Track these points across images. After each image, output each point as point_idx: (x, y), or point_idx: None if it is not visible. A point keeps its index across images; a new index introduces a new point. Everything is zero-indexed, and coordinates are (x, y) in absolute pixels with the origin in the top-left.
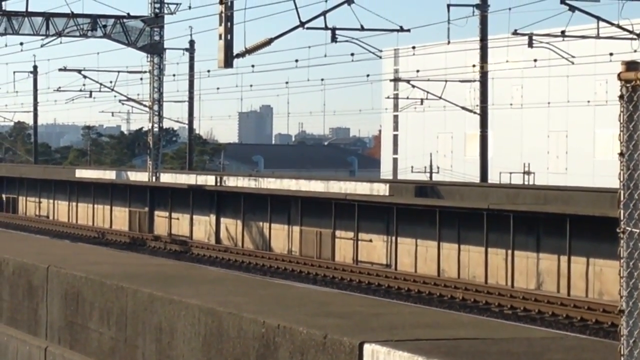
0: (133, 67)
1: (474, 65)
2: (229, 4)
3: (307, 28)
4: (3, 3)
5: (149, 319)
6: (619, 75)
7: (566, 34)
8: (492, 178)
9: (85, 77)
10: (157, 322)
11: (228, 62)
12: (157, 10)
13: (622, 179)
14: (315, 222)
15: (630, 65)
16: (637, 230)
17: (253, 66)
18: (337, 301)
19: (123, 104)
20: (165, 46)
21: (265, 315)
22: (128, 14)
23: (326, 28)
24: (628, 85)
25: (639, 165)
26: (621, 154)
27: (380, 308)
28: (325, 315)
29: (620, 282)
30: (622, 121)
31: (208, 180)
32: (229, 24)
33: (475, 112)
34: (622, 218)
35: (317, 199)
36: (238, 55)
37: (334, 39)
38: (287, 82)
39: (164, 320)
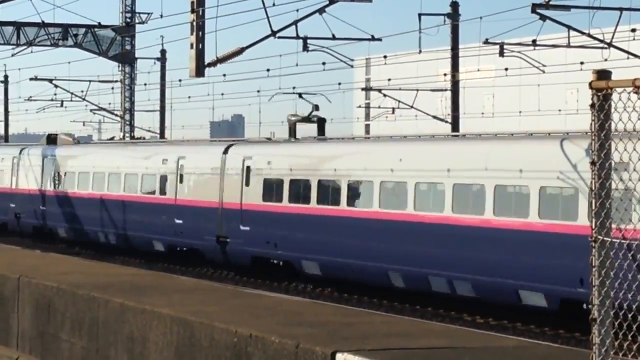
0: (104, 76)
1: (445, 74)
2: (201, 13)
3: (279, 37)
4: None
5: (120, 329)
6: (590, 84)
7: (537, 43)
8: None
9: (56, 86)
10: (129, 332)
11: (199, 71)
12: (128, 20)
13: (593, 188)
14: None
15: (601, 74)
16: (609, 239)
17: (225, 75)
18: (309, 310)
19: (94, 113)
20: (136, 55)
21: (237, 324)
22: (99, 23)
23: (298, 37)
24: (599, 94)
25: (611, 174)
26: (593, 163)
27: (352, 317)
28: (297, 324)
29: (592, 290)
30: (593, 130)
31: None
32: (200, 33)
33: (446, 121)
34: (593, 227)
35: None
36: (209, 65)
37: (305, 48)
38: (258, 91)
39: (135, 330)
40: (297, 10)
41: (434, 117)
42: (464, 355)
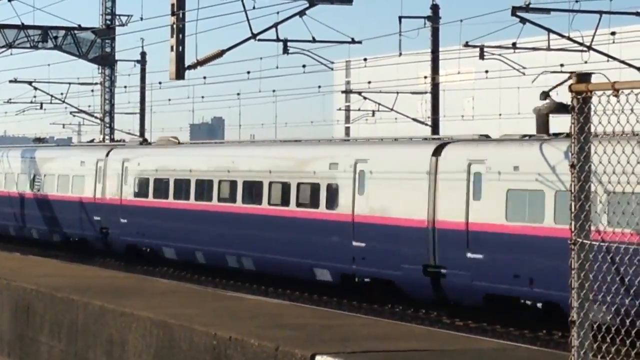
0: (84, 78)
1: (425, 77)
2: (181, 15)
3: (259, 40)
4: None
5: (100, 332)
6: (569, 87)
7: (517, 45)
8: None
9: (35, 88)
10: (108, 335)
11: (180, 73)
12: (108, 22)
13: (573, 191)
14: None
15: (581, 77)
16: (588, 242)
17: (205, 77)
18: (290, 313)
19: (74, 115)
20: (116, 58)
21: (216, 327)
22: (79, 25)
23: (278, 40)
24: (579, 97)
25: (590, 176)
26: (572, 166)
27: (332, 320)
28: (277, 327)
29: (572, 293)
30: (573, 133)
31: None
32: (180, 35)
33: (426, 124)
34: (573, 229)
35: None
36: (190, 67)
37: (285, 50)
38: (238, 94)
39: (115, 333)
40: (278, 13)
41: (414, 119)
42: (444, 357)
